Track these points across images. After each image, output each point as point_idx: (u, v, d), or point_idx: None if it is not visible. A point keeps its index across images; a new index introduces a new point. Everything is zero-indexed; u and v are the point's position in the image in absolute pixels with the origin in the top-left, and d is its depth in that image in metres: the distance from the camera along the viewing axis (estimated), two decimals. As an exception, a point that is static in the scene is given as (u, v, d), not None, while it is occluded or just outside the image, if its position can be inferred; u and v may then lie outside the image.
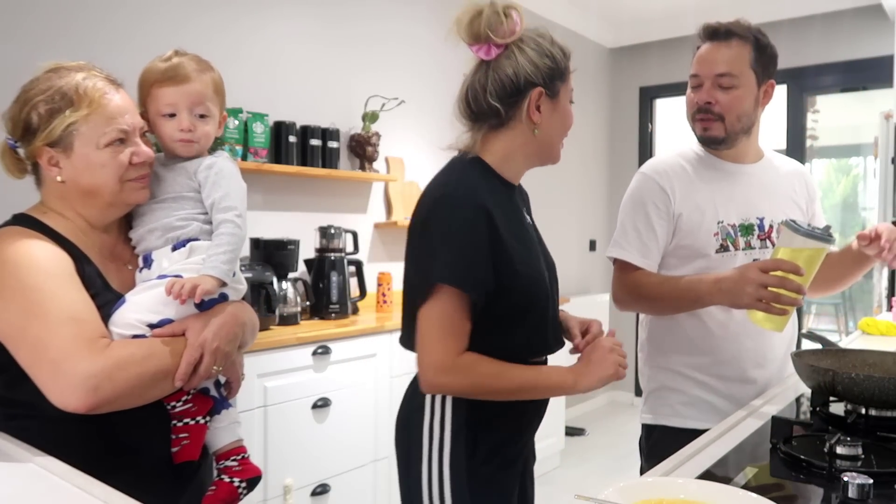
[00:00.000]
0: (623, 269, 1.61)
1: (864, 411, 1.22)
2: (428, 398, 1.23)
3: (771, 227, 1.60)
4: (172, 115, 1.22)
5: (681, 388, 1.60)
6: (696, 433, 1.42)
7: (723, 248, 1.55)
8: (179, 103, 1.22)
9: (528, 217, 1.34)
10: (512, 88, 1.22)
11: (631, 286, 1.59)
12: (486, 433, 1.22)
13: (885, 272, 3.49)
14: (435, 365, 1.14)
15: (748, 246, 1.57)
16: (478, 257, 1.14)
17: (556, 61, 1.24)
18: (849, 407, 1.25)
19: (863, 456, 1.02)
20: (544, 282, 1.25)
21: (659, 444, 1.59)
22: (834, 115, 6.02)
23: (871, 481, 0.86)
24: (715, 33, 1.56)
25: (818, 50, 4.52)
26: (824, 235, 1.31)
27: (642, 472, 1.69)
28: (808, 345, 1.66)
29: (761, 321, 1.37)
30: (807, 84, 4.68)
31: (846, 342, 2.22)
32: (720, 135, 1.56)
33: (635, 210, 1.61)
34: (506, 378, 1.17)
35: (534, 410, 1.29)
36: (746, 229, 1.57)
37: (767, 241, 1.60)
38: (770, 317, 1.34)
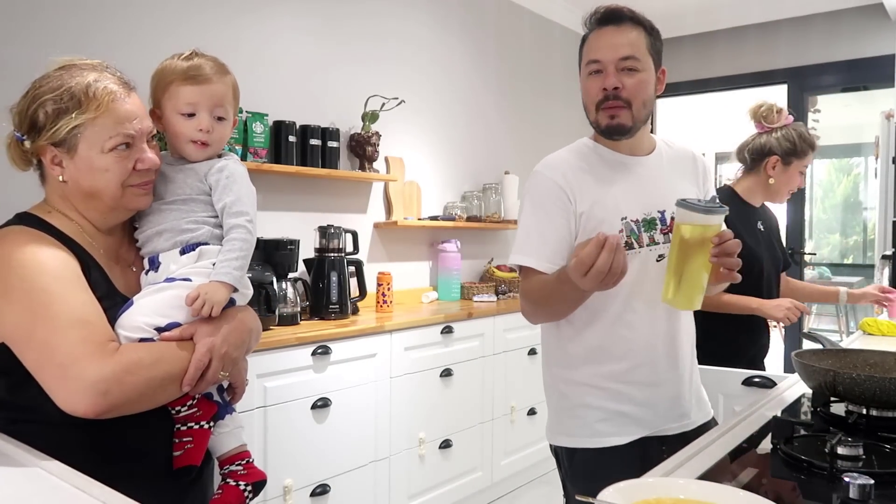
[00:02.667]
0: (528, 276, 1.48)
1: (865, 411, 1.22)
2: None
3: (672, 219, 1.47)
4: (191, 115, 1.21)
5: (597, 403, 1.49)
6: (618, 450, 1.44)
7: (627, 246, 1.44)
8: (200, 103, 1.21)
9: (760, 225, 2.29)
10: (759, 151, 2.24)
11: (530, 293, 1.48)
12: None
13: (886, 272, 3.49)
14: None
15: (652, 241, 1.48)
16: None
17: (796, 146, 2.20)
18: (850, 407, 1.24)
19: (864, 456, 1.01)
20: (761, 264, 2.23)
21: (584, 466, 1.50)
22: (835, 114, 6.02)
23: (872, 482, 0.85)
24: (612, 16, 1.47)
25: (819, 49, 4.52)
26: (718, 208, 1.28)
27: (570, 496, 1.58)
28: (808, 345, 1.65)
29: (677, 302, 1.32)
30: (808, 83, 4.68)
31: (847, 342, 2.22)
32: (627, 123, 1.46)
33: (534, 211, 1.49)
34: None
35: None
36: (649, 224, 1.48)
37: (670, 234, 1.46)
38: (683, 296, 1.29)
